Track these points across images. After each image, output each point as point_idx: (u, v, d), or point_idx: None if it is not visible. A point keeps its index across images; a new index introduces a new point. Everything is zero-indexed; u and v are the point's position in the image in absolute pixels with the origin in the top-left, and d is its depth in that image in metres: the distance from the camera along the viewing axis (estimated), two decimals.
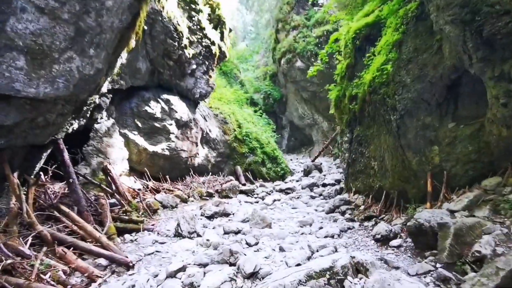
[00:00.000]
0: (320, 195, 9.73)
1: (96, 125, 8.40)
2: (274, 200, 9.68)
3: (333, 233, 5.91)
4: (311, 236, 6.07)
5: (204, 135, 12.09)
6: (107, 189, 7.69)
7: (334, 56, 16.10)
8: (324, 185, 10.89)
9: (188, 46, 11.00)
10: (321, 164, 14.38)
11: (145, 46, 9.71)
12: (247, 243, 5.84)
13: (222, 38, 12.99)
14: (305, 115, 23.85)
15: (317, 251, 5.00)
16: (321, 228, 6.54)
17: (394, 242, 4.87)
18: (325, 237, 5.90)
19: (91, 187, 7.50)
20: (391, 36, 6.02)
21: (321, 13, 21.24)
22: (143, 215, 7.73)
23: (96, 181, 7.66)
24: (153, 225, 7.35)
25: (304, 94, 22.90)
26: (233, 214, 8.24)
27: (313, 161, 16.51)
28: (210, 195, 10.61)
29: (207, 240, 5.99)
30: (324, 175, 12.63)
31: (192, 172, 11.26)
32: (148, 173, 9.68)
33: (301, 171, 15.98)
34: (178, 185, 10.37)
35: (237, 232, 6.71)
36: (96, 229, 5.75)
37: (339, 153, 17.52)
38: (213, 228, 7.23)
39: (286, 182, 12.74)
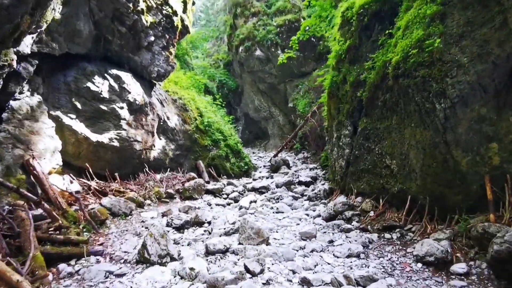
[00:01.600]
0: (303, 195, 8.37)
1: (13, 103, 5.76)
2: (251, 202, 8.04)
3: (358, 251, 4.53)
4: (327, 255, 4.61)
5: (162, 123, 9.85)
6: (30, 195, 5.23)
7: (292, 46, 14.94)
8: (300, 183, 9.56)
9: (146, 11, 8.64)
10: (287, 159, 13.12)
11: (89, 1, 7.19)
12: (247, 271, 4.12)
13: (184, 10, 10.78)
14: (261, 108, 22.55)
15: (361, 285, 3.57)
16: (331, 242, 5.13)
17: (457, 268, 3.66)
18: (348, 256, 4.48)
19: (3, 193, 4.97)
20: (425, 8, 4.82)
21: (283, 2, 20.00)
22: (85, 230, 5.45)
23: (11, 183, 5.14)
24: (102, 244, 5.16)
25: (261, 85, 21.52)
26: (209, 222, 6.39)
27: (275, 156, 15.21)
28: (171, 197, 8.53)
29: (191, 269, 4.13)
30: (296, 171, 11.37)
31: (147, 168, 9.00)
32: (91, 170, 7.25)
33: (264, 166, 14.59)
34: (130, 185, 8.06)
35: (224, 251, 4.92)
36: (11, 265, 3.49)
37: (300, 147, 16.56)
38: (189, 245, 5.32)
39: (255, 180, 11.15)
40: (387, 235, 4.96)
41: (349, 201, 6.10)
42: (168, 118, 10.16)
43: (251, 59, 20.24)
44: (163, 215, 6.81)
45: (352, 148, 6.34)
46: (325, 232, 5.61)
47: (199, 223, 6.32)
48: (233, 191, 9.15)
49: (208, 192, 9.20)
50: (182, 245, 5.28)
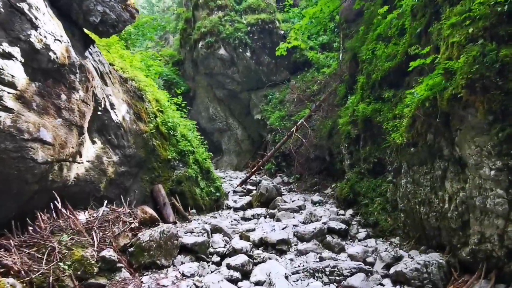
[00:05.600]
0: (365, 262, 4.49)
1: None
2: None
3: None
4: None
5: (100, 112, 4.97)
6: None
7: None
8: (331, 231, 5.68)
9: None
10: (278, 186, 9.13)
11: None
12: None
13: None
14: (217, 118, 18.38)
15: None
16: None
17: None
18: None
19: None
20: None
21: None
22: None
23: None
24: None
25: (219, 92, 17.50)
26: None
27: (248, 178, 11.16)
28: (111, 268, 3.72)
29: None
30: (301, 207, 7.44)
31: (59, 202, 4.01)
32: None
33: (233, 191, 10.39)
34: (10, 249, 3.07)
35: None
36: None
37: (275, 169, 12.78)
38: None
39: (247, 219, 6.84)
40: None
41: None
42: (112, 105, 5.31)
43: (212, 59, 16.14)
44: None
45: None
46: None
47: None
48: (231, 249, 4.75)
49: (185, 249, 4.63)
50: None
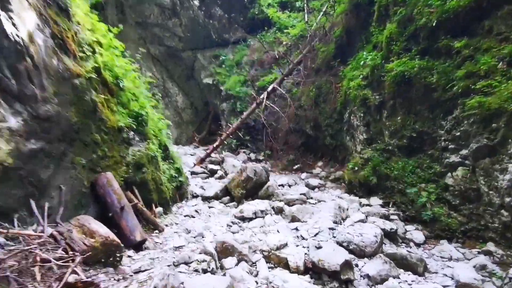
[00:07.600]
0: None
1: None
2: None
3: None
4: None
5: None
6: None
7: None
8: (391, 237, 3.92)
9: None
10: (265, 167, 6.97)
11: None
12: None
13: None
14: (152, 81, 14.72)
15: None
16: None
17: None
18: None
19: None
20: None
21: None
22: None
23: None
24: None
25: (154, 49, 13.94)
26: None
27: (209, 155, 8.68)
28: None
29: None
30: (310, 197, 5.55)
31: None
32: None
33: (190, 172, 7.79)
34: None
35: None
36: None
37: (237, 143, 10.49)
38: None
39: (249, 218, 4.52)
40: None
41: None
42: (5, 3, 2.26)
43: (147, 4, 12.55)
44: None
45: None
46: None
47: None
48: None
49: None
50: None
